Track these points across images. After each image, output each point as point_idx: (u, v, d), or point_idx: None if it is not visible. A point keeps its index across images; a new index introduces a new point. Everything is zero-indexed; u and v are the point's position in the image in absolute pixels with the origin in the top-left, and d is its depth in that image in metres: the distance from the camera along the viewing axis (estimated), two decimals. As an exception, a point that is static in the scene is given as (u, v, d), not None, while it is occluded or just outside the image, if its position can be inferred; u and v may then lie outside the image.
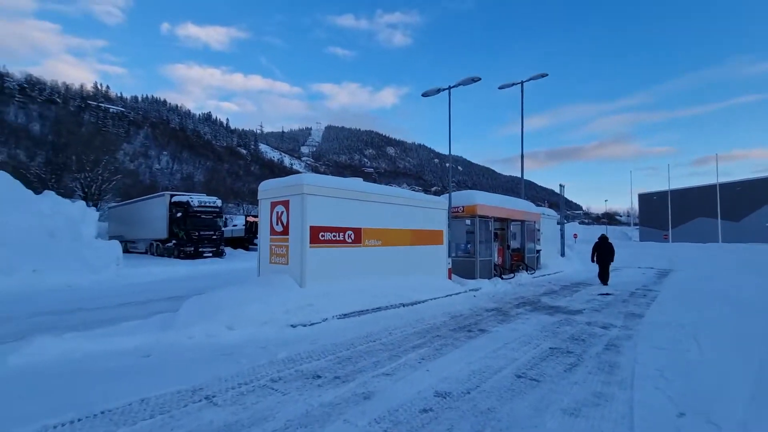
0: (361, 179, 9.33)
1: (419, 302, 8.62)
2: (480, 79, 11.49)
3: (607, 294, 10.66)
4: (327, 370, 4.41)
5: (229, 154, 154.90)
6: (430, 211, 10.27)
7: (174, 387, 3.79)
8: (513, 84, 16.98)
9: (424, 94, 12.81)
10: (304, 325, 6.32)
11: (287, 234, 7.29)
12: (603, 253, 12.33)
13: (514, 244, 15.98)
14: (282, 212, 7.41)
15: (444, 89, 12.35)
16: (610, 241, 12.66)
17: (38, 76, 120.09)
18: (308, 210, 7.00)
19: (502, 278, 12.92)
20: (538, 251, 16.42)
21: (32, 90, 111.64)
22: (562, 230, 20.20)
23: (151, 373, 4.22)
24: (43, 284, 10.76)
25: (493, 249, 13.49)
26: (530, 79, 16.74)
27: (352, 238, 7.90)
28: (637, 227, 66.06)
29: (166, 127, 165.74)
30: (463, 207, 12.24)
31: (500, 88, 17.16)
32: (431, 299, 9.03)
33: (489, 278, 12.37)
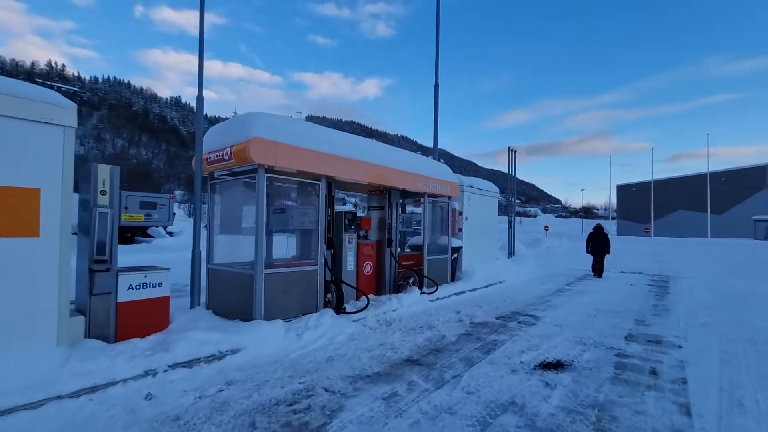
0: None
1: None
2: None
3: (559, 366, 3.98)
4: None
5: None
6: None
7: None
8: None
9: None
10: None
11: None
12: (597, 244, 11.65)
13: (416, 240, 9.21)
14: None
15: None
16: (605, 231, 11.86)
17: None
18: None
19: (344, 312, 6.08)
20: (457, 250, 9.62)
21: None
22: (511, 218, 13.50)
23: None
24: None
25: (344, 246, 6.65)
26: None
27: None
28: (615, 220, 61.42)
29: (127, 110, 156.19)
30: (230, 149, 5.22)
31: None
32: None
33: (303, 315, 5.53)
